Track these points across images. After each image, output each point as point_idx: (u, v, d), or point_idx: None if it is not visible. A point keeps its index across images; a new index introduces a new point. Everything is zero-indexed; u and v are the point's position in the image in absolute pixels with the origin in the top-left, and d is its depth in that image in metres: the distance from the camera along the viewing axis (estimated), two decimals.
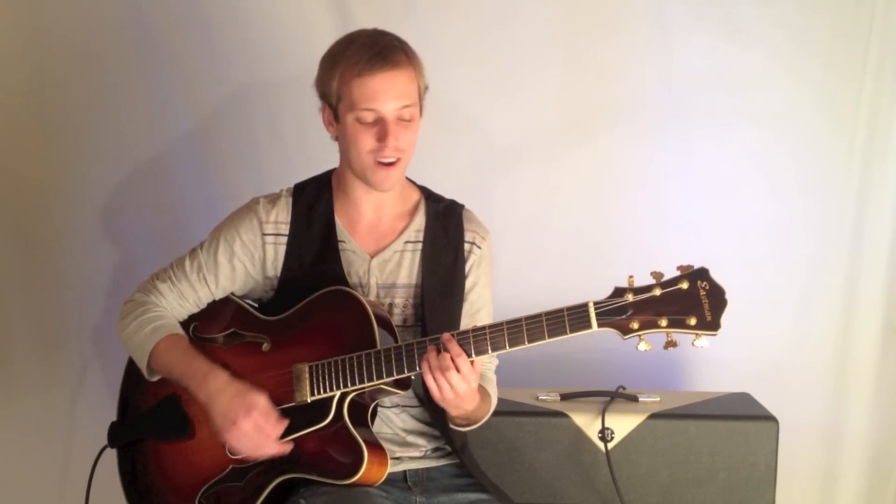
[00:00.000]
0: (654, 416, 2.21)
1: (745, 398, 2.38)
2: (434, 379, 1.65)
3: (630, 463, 2.20)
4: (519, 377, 2.40)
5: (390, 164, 1.79)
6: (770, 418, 2.21)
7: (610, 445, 2.20)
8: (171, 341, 1.83)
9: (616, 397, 2.31)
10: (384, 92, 1.75)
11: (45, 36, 2.57)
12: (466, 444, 1.93)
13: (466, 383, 1.66)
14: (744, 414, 2.24)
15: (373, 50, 1.76)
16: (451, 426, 1.85)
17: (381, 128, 1.77)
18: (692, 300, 1.59)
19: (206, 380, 1.76)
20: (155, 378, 1.87)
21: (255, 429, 1.71)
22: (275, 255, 1.86)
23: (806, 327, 2.66)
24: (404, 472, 1.85)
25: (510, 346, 1.65)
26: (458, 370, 1.64)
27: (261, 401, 1.73)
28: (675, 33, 2.59)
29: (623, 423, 2.21)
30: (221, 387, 1.75)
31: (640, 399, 2.31)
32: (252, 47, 2.59)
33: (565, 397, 2.34)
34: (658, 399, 2.31)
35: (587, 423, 2.22)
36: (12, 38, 2.56)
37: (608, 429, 2.21)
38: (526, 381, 2.41)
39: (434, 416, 1.85)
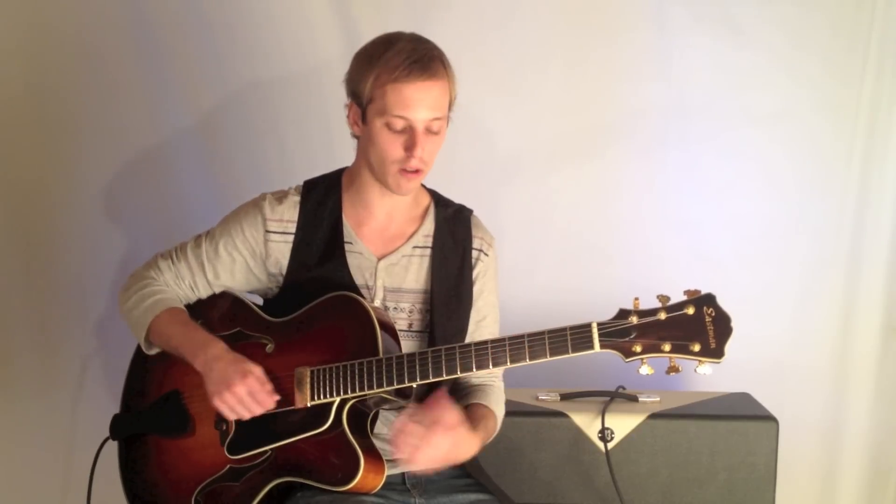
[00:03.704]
0: (654, 416, 2.22)
1: (745, 398, 2.39)
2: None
3: (630, 463, 2.20)
4: (519, 377, 2.39)
5: (412, 173, 1.78)
6: (770, 418, 2.21)
7: (610, 445, 2.20)
8: (170, 314, 1.85)
9: (616, 397, 2.31)
10: (418, 101, 1.72)
11: (45, 33, 2.57)
12: None
13: (439, 448, 1.64)
14: (744, 414, 2.24)
15: (412, 56, 1.72)
16: None
17: (409, 137, 1.74)
18: (697, 326, 1.58)
19: (205, 348, 1.77)
20: (153, 351, 1.88)
21: (248, 394, 1.71)
22: (279, 254, 1.86)
23: (806, 327, 2.67)
24: (402, 474, 1.85)
25: (511, 363, 1.65)
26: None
27: (256, 369, 1.74)
28: (675, 34, 2.59)
29: (623, 423, 2.21)
30: (219, 354, 1.76)
31: (640, 399, 2.31)
32: (253, 45, 2.59)
33: (565, 397, 2.34)
34: (658, 399, 2.31)
35: (587, 423, 2.22)
36: (13, 36, 2.56)
37: (608, 429, 2.21)
38: (526, 381, 2.41)
39: None
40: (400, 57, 1.72)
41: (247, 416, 1.74)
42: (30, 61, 2.58)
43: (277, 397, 1.74)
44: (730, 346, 1.59)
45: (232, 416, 1.75)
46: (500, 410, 1.90)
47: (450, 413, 1.66)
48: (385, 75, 1.72)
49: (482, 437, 1.77)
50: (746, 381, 2.47)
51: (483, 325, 1.92)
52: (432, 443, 1.63)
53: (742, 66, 2.59)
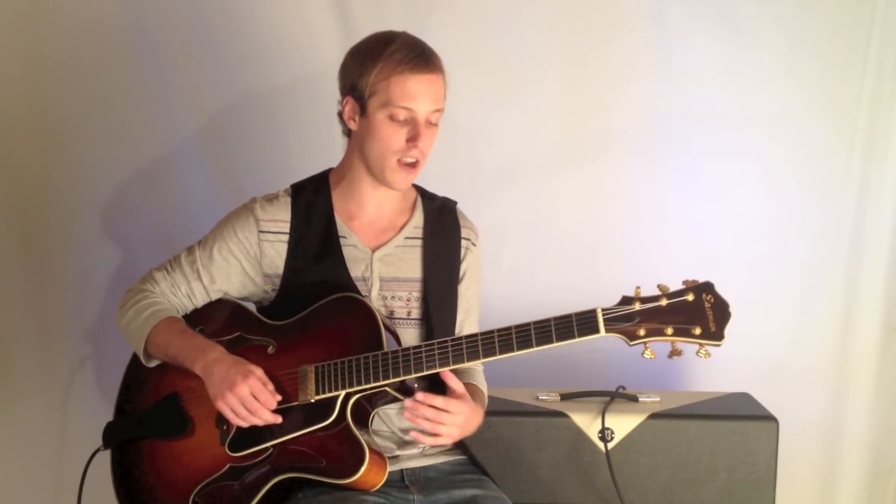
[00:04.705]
0: (654, 416, 2.22)
1: (745, 398, 2.39)
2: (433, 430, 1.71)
3: (630, 463, 2.21)
4: (519, 377, 2.41)
5: (411, 166, 1.82)
6: (770, 418, 2.21)
7: (610, 445, 2.20)
8: (167, 323, 1.85)
9: (616, 397, 2.31)
10: (423, 93, 1.78)
11: (48, 38, 2.56)
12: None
13: (462, 414, 1.72)
14: (744, 414, 2.24)
15: (415, 51, 1.79)
16: None
17: (412, 128, 1.79)
18: (697, 311, 1.63)
19: (204, 352, 1.78)
20: (153, 363, 1.88)
21: (251, 394, 1.72)
22: (275, 254, 1.87)
23: (806, 327, 2.67)
24: (401, 471, 1.85)
25: (518, 349, 1.67)
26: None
27: (258, 370, 1.75)
28: (675, 33, 2.59)
29: (623, 423, 2.21)
30: (219, 357, 1.77)
31: (640, 399, 2.31)
32: (254, 49, 2.59)
33: (565, 397, 2.34)
34: (658, 399, 2.31)
35: (587, 423, 2.22)
36: (15, 40, 2.56)
37: (608, 429, 2.21)
38: (526, 381, 2.41)
39: None
40: (403, 51, 1.78)
41: (250, 419, 1.73)
42: (31, 66, 2.57)
43: (279, 397, 1.75)
44: (729, 344, 1.62)
45: (235, 420, 1.74)
46: (485, 388, 1.95)
47: (457, 383, 1.72)
48: (389, 69, 1.78)
49: (482, 409, 1.86)
50: (746, 381, 2.48)
51: (471, 313, 1.97)
52: (452, 411, 1.70)
53: (742, 66, 2.59)
